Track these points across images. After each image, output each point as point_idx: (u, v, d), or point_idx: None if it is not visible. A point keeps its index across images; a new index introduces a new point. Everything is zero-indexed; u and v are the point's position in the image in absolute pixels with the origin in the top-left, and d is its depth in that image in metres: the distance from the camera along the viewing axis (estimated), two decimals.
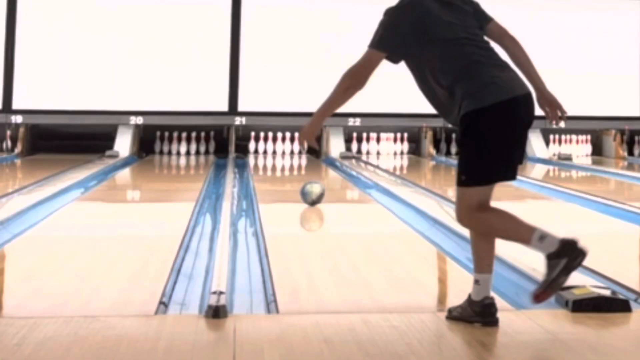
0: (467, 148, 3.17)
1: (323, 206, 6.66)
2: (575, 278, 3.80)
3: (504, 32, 3.32)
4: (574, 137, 12.72)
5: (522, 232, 3.13)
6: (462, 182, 3.15)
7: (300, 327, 3.13)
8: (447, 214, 6.21)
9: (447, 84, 3.14)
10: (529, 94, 3.19)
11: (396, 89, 12.02)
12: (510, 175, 3.16)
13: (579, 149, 12.69)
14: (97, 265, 4.49)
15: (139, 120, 11.69)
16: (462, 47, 3.15)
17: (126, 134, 11.59)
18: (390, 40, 3.16)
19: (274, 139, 12.15)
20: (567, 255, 3.05)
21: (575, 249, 3.07)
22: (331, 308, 3.60)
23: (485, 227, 3.19)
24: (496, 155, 3.11)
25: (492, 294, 3.22)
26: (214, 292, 3.40)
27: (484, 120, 3.09)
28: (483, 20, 3.30)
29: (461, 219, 3.19)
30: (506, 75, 3.17)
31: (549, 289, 3.08)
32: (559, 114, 3.26)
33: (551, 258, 3.07)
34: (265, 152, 12.12)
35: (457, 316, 3.19)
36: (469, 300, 3.18)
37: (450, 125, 5.95)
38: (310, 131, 3.29)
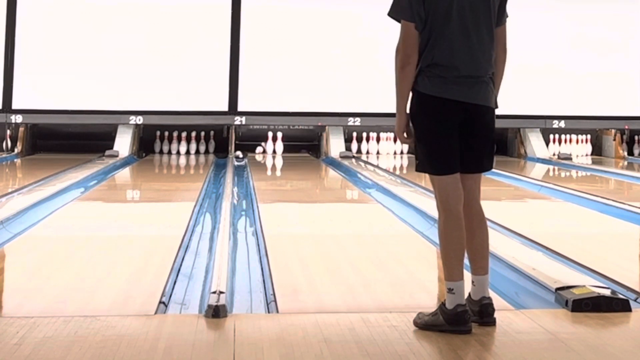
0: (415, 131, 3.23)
1: (323, 206, 6.65)
2: (575, 278, 3.82)
3: (502, 39, 3.30)
4: (573, 136, 12.72)
5: (449, 266, 3.11)
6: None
7: (300, 326, 3.13)
8: None
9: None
10: (475, 105, 3.17)
11: None
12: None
13: (579, 149, 12.69)
14: (97, 264, 4.49)
15: (139, 119, 11.68)
16: (447, 32, 3.14)
17: (126, 133, 11.58)
18: (405, 8, 3.15)
19: (274, 139, 12.15)
20: (450, 324, 3.06)
21: (462, 329, 3.07)
22: (331, 308, 3.60)
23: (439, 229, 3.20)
24: (431, 146, 3.16)
25: (492, 293, 3.23)
26: (214, 292, 3.40)
27: (418, 104, 3.15)
28: (499, 19, 3.28)
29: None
30: (461, 81, 3.15)
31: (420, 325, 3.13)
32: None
33: (442, 311, 3.09)
34: (265, 152, 12.13)
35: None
36: (469, 299, 3.18)
37: None
38: (399, 130, 3.21)
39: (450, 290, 3.09)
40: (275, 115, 11.94)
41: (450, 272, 3.11)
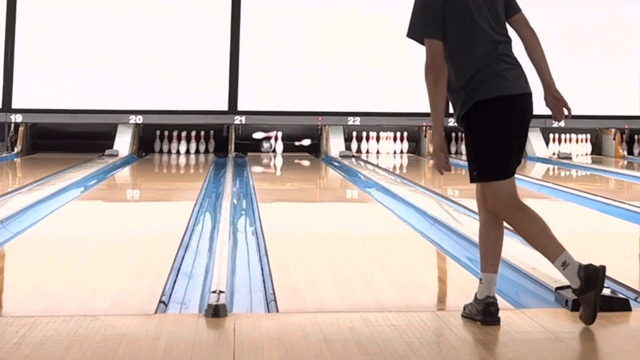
0: (469, 142, 3.19)
1: (323, 205, 6.64)
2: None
3: (525, 23, 3.36)
4: (573, 136, 12.72)
5: (549, 248, 3.16)
6: (473, 178, 3.18)
7: (300, 326, 3.13)
8: (446, 213, 6.22)
9: (454, 71, 3.16)
10: (527, 94, 3.20)
11: (396, 88, 12.06)
12: (511, 171, 3.17)
13: (579, 148, 12.69)
14: (97, 264, 4.49)
15: (139, 119, 11.68)
16: (473, 39, 3.16)
17: (126, 132, 11.57)
18: (426, 25, 3.16)
19: (275, 138, 12.15)
20: (592, 288, 3.08)
21: (597, 280, 3.10)
22: (331, 307, 3.60)
23: (515, 226, 3.21)
24: (496, 150, 3.12)
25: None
26: (214, 291, 3.40)
27: (481, 113, 3.12)
28: (511, 10, 3.32)
29: (494, 210, 3.19)
30: (512, 72, 3.18)
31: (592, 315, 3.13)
32: (564, 112, 3.28)
33: (579, 294, 3.12)
34: (265, 151, 12.13)
35: (467, 314, 3.21)
36: (474, 298, 3.19)
37: (450, 124, 5.95)
38: (438, 149, 3.16)
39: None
40: (275, 114, 11.95)
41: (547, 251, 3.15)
